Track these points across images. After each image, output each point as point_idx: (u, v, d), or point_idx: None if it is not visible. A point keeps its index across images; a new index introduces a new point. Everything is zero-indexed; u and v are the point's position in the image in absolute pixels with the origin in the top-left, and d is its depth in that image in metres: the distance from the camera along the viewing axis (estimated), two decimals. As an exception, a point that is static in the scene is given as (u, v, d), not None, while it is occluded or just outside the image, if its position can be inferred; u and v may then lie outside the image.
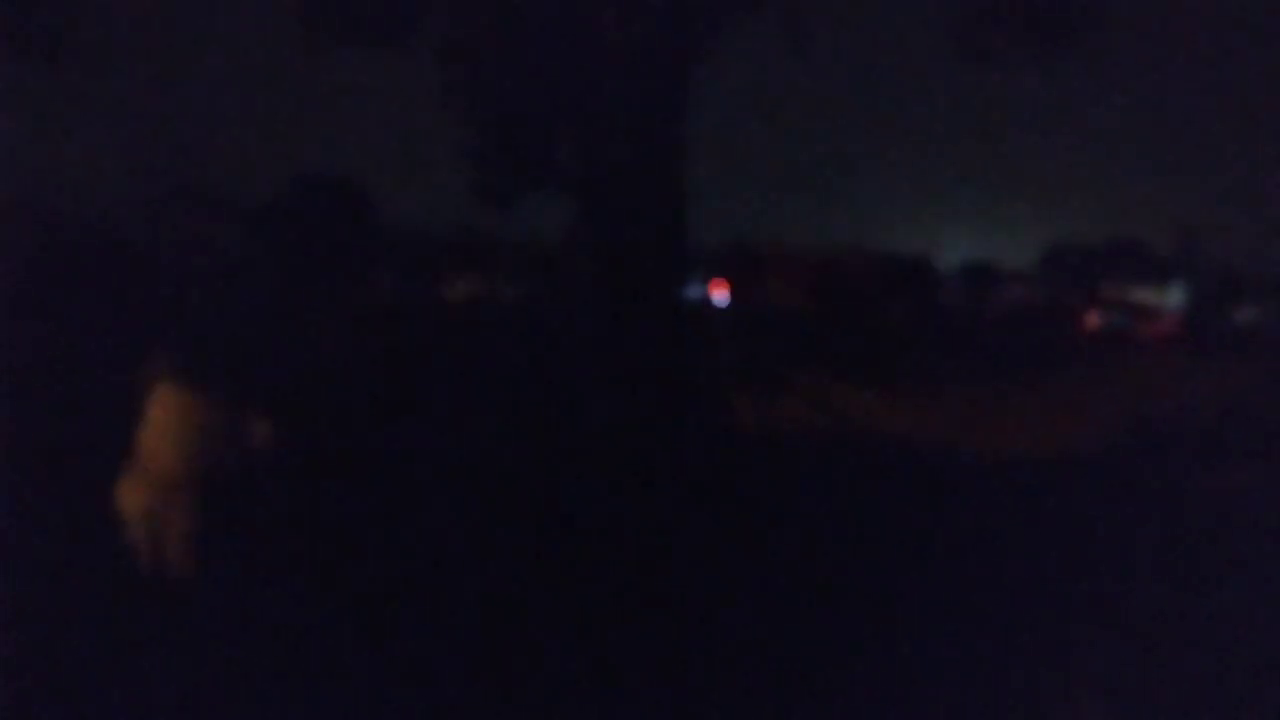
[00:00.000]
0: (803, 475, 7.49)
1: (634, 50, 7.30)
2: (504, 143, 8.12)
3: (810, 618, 4.68)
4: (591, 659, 3.98)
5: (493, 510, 5.40)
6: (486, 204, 8.35)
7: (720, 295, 21.10)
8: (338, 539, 5.12)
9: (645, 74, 7.17)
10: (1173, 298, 29.84)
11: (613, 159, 7.22)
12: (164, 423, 3.73)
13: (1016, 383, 13.76)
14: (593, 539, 5.22)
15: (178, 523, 3.43)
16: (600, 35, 7.31)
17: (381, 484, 5.54)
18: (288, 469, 5.60)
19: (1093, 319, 24.01)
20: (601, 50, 7.31)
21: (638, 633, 4.32)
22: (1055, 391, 13.11)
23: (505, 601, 4.53)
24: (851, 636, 4.53)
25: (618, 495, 5.86)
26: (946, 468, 8.28)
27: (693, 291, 20.05)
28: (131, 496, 3.33)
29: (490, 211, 8.49)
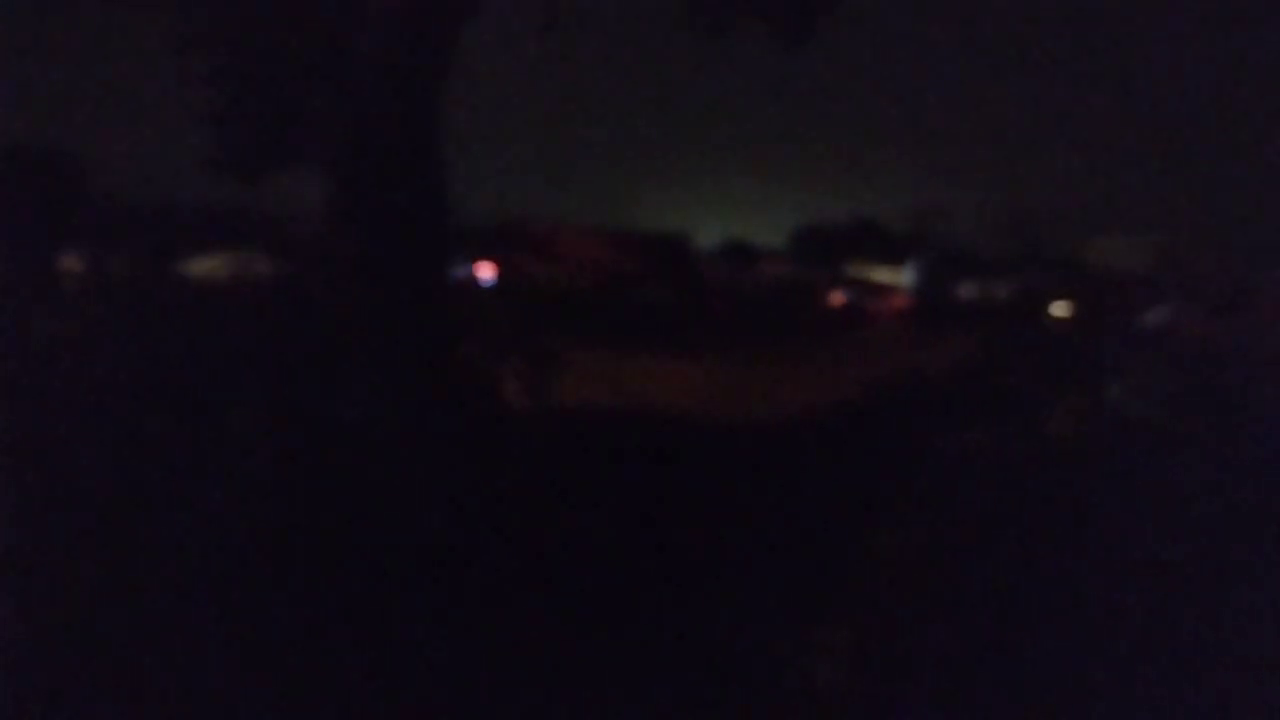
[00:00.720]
0: (575, 448, 7.58)
1: (392, 20, 7.00)
2: (249, 112, 7.57)
3: (590, 594, 4.71)
4: (368, 651, 3.86)
5: (245, 499, 5.12)
6: (231, 177, 7.79)
7: (486, 274, 20.85)
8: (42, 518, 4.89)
9: (403, 46, 6.98)
10: (906, 276, 32.26)
11: (370, 135, 7.00)
12: None
13: (770, 353, 14.53)
14: (356, 523, 5.05)
15: None
16: (357, 4, 7.03)
17: (111, 470, 5.26)
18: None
19: (836, 296, 25.57)
20: (358, 18, 7.00)
21: (409, 614, 4.22)
22: (804, 361, 13.95)
23: (256, 587, 4.34)
24: (630, 607, 4.59)
25: (383, 479, 5.66)
26: (709, 432, 8.66)
27: (458, 271, 19.73)
28: None
29: (236, 185, 7.95)
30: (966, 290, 30.17)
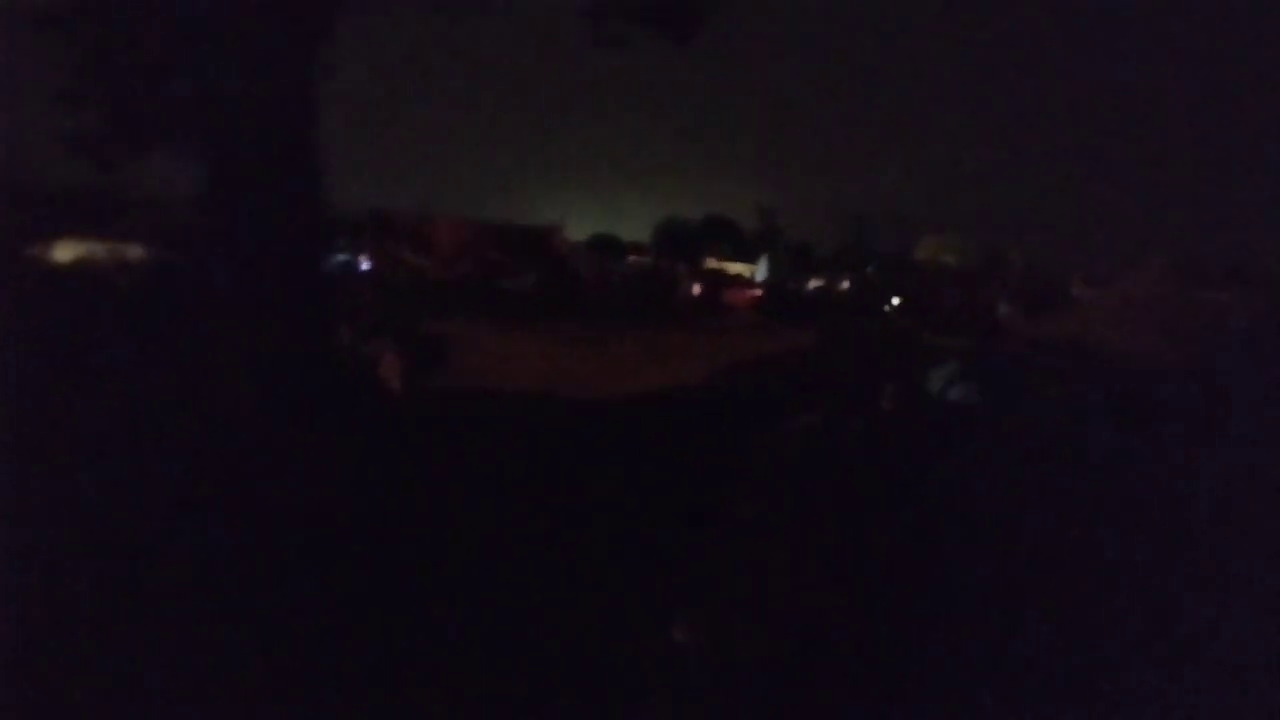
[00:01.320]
0: (450, 428, 7.85)
1: (262, 9, 6.76)
2: (112, 96, 7.13)
3: (464, 568, 4.85)
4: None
5: (118, 489, 5.02)
6: (89, 163, 7.37)
7: (364, 261, 21.21)
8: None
9: (275, 31, 6.80)
10: (759, 270, 34.03)
11: (241, 122, 6.75)
12: None
13: (635, 338, 15.18)
14: (236, 509, 4.99)
15: None
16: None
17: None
18: None
19: (696, 287, 27.04)
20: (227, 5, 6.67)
21: (291, 597, 4.22)
22: (665, 346, 14.51)
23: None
24: (503, 573, 4.78)
25: (263, 463, 5.63)
26: (578, 411, 9.11)
27: (336, 259, 19.89)
28: None
29: (96, 171, 7.54)
30: (812, 283, 32.16)
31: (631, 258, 33.22)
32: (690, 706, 3.74)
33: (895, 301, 26.67)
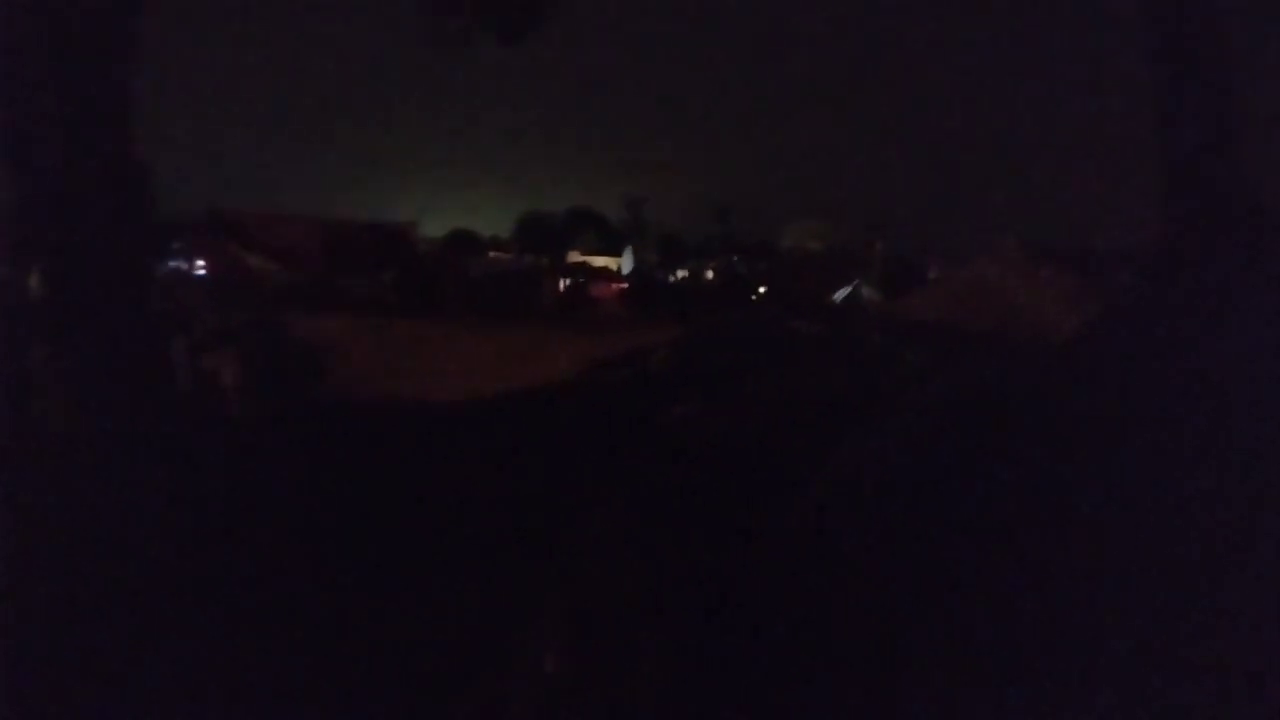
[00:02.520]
0: (294, 434, 7.62)
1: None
2: None
3: (323, 575, 4.76)
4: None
5: None
6: None
7: (201, 264, 19.95)
8: None
9: (88, 29, 6.60)
10: (624, 263, 33.88)
11: (53, 124, 6.56)
12: None
13: (498, 336, 14.81)
14: (74, 530, 4.92)
15: None
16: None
17: None
18: None
19: (559, 282, 26.61)
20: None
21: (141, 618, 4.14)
22: (531, 342, 14.28)
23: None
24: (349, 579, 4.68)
25: (100, 480, 5.54)
26: (438, 412, 8.87)
27: (170, 262, 18.73)
28: None
29: None
30: (678, 274, 32.22)
31: (492, 254, 32.36)
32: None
33: (761, 290, 26.87)
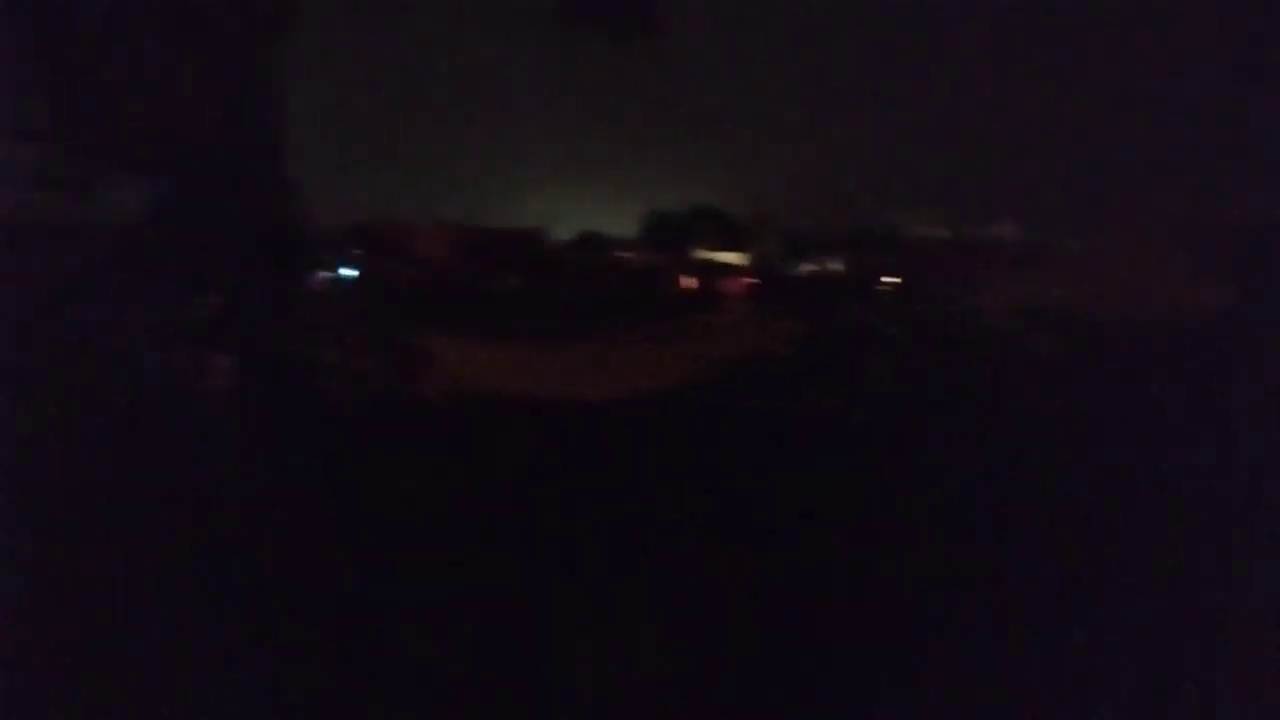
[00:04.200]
0: (440, 441, 7.82)
1: (224, 25, 6.95)
2: (83, 123, 7.31)
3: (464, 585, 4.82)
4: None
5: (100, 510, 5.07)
6: (58, 191, 7.61)
7: (349, 271, 20.79)
8: None
9: (238, 50, 7.05)
10: (749, 259, 33.49)
11: (210, 140, 7.07)
12: None
13: (627, 337, 15.54)
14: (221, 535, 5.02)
15: None
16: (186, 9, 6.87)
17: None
18: None
19: (686, 280, 26.54)
20: (190, 24, 6.89)
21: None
22: (659, 342, 15.02)
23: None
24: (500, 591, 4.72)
25: (250, 485, 5.64)
26: (570, 417, 9.06)
27: (318, 273, 19.51)
28: None
29: (65, 198, 7.70)
30: (805, 269, 31.67)
31: (619, 254, 32.59)
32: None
33: (889, 280, 26.10)
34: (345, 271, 21.43)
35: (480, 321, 15.79)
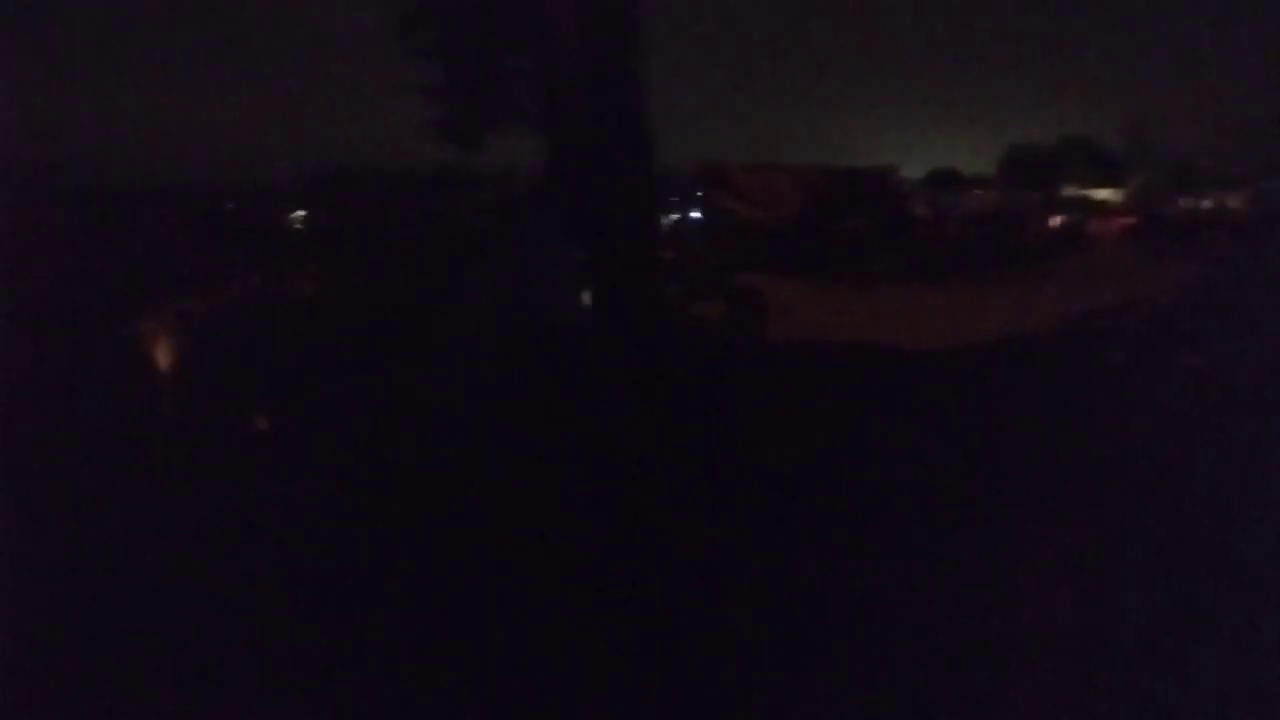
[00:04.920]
0: (792, 381, 7.82)
1: None
2: (468, 78, 8.09)
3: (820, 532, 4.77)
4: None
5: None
6: (452, 142, 8.44)
7: (695, 214, 21.54)
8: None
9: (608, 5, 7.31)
10: (1126, 193, 30.48)
11: (576, 88, 7.41)
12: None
13: (987, 281, 14.36)
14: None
15: None
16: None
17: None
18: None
19: (1053, 218, 24.72)
20: None
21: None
22: (1024, 287, 13.68)
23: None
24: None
25: (599, 419, 5.83)
26: (924, 364, 8.79)
27: (668, 212, 20.40)
28: None
29: (455, 149, 8.56)
30: (1193, 204, 28.29)
31: (977, 192, 30.87)
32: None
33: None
34: (692, 214, 22.20)
35: (829, 266, 15.69)
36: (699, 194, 23.16)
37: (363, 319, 7.65)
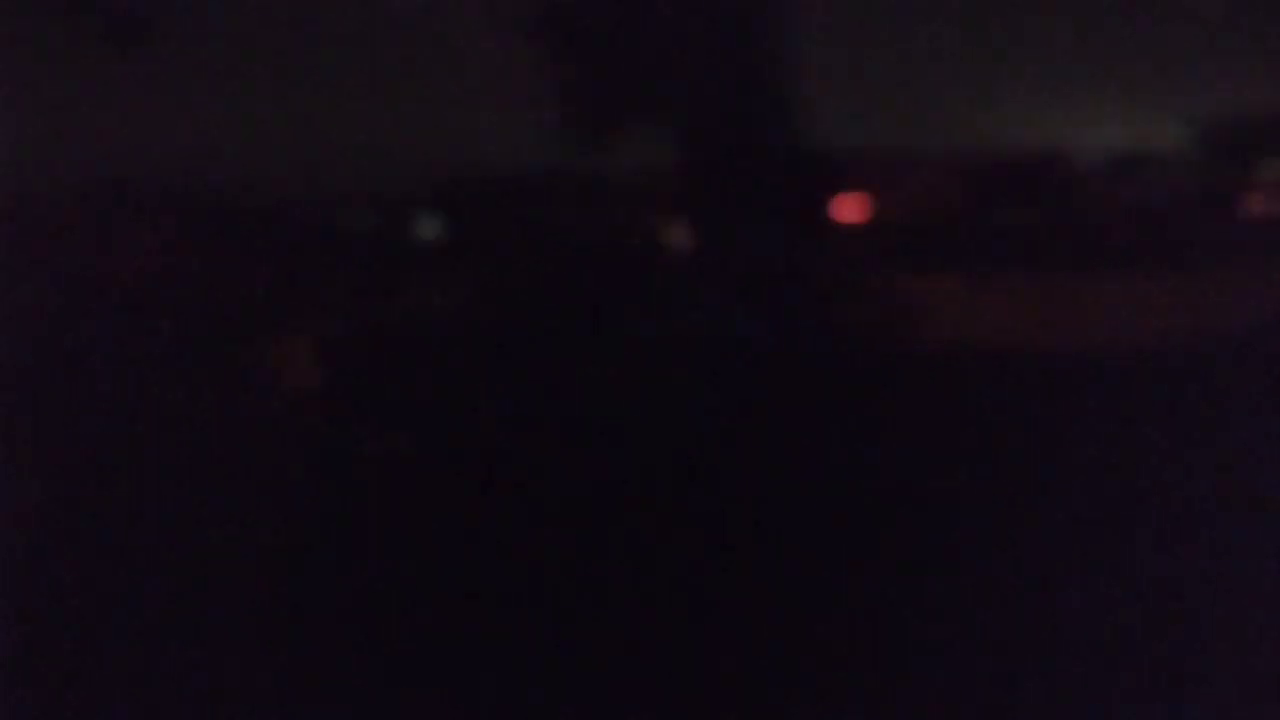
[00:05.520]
0: (942, 386, 7.22)
1: None
2: (601, 71, 7.77)
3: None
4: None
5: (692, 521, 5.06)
6: (585, 138, 8.04)
7: (846, 210, 20.82)
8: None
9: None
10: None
11: (719, 78, 6.94)
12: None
13: (1170, 273, 12.94)
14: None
15: None
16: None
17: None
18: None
19: (1255, 203, 22.43)
20: None
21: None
22: (1217, 284, 12.23)
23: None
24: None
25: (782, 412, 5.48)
26: (1098, 370, 7.90)
27: (815, 209, 19.79)
28: None
29: (590, 145, 8.20)
30: None
31: (1160, 173, 28.51)
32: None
33: None
34: (844, 208, 21.37)
35: (992, 260, 14.51)
36: (848, 186, 22.32)
37: (523, 338, 7.33)
